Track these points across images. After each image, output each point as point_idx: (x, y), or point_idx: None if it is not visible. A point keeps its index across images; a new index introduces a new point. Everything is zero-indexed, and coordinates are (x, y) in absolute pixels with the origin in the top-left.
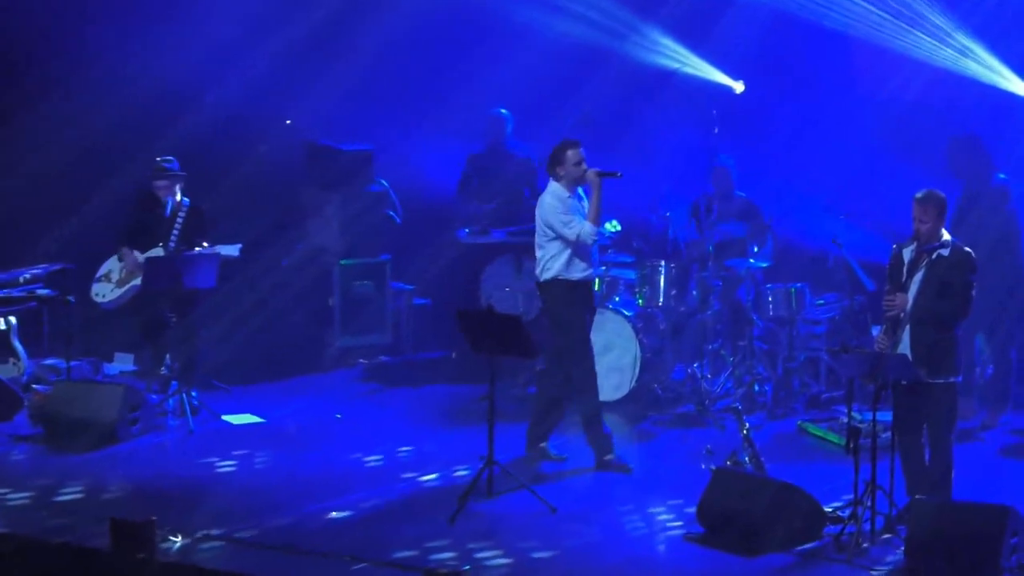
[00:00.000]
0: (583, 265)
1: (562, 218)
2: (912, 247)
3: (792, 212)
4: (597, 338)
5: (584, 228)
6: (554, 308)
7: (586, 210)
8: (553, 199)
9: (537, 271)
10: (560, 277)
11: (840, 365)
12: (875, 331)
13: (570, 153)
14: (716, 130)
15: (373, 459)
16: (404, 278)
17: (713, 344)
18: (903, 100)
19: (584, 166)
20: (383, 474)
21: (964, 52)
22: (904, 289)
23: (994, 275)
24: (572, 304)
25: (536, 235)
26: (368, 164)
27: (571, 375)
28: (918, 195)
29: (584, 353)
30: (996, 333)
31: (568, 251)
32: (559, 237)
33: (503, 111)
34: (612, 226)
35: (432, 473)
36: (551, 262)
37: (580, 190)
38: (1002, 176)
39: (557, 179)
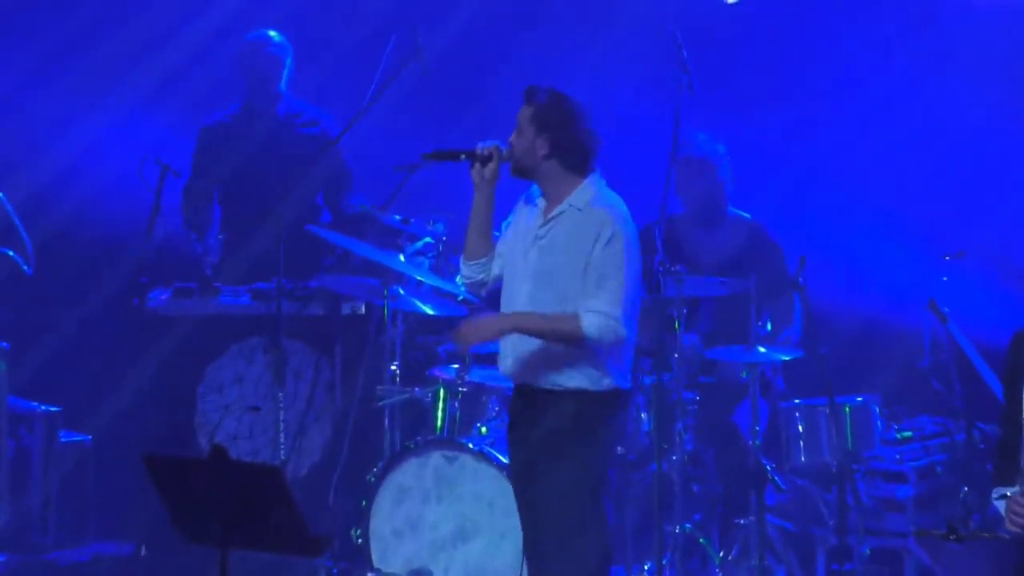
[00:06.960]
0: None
1: None
2: None
3: (842, 250)
4: (444, 514)
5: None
6: None
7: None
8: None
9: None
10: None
11: (947, 566)
12: (999, 493)
13: None
14: (688, 84)
15: None
16: (38, 390)
17: (684, 523)
18: None
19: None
20: None
21: None
22: None
23: None
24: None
25: None
26: None
27: None
28: None
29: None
30: None
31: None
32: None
33: (273, 36)
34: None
35: None
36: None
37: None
38: None
39: None
